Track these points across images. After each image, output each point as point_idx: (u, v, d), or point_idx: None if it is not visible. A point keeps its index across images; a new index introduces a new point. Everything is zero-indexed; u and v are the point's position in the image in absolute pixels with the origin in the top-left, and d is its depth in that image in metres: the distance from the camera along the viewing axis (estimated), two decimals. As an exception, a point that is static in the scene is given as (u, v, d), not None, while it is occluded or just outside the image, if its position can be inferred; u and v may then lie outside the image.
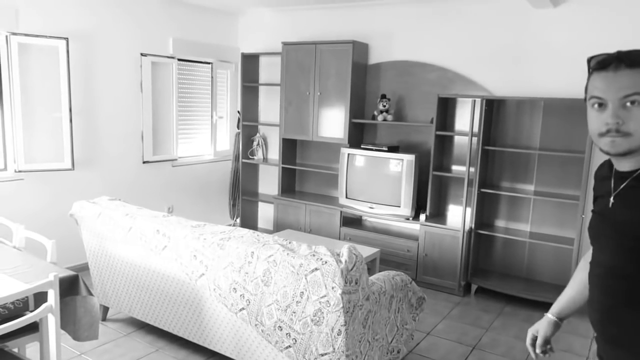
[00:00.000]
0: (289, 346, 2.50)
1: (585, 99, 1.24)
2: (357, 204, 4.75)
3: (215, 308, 2.77)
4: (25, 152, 4.01)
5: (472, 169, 4.24)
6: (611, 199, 1.23)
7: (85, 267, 4.19)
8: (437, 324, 3.77)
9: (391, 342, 2.79)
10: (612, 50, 1.20)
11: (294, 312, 2.43)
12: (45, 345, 2.26)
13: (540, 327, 1.58)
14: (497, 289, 4.22)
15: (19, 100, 3.92)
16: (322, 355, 2.40)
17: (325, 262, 2.35)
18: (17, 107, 3.92)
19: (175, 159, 5.23)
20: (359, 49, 4.80)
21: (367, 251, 3.93)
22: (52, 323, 2.20)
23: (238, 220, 5.87)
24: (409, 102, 4.77)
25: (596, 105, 1.19)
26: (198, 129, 5.56)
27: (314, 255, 2.42)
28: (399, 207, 4.49)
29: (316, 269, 2.36)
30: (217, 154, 5.76)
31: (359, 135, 5.01)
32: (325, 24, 5.18)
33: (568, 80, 4.04)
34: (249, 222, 5.87)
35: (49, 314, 2.17)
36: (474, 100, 4.18)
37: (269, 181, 5.87)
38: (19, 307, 2.23)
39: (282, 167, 5.36)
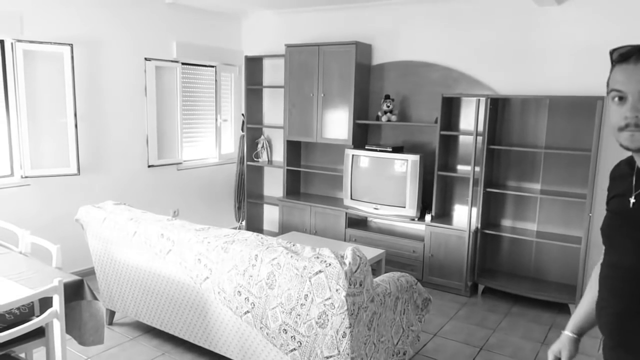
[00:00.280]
0: (294, 349, 2.49)
1: (607, 93, 1.19)
2: (362, 205, 4.74)
3: (220, 311, 2.77)
4: (32, 157, 4.04)
5: (477, 169, 4.21)
6: (632, 199, 1.18)
7: (91, 272, 4.22)
8: (444, 324, 3.74)
9: (397, 344, 2.78)
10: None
11: (299, 315, 2.42)
12: (51, 351, 2.27)
13: (562, 347, 1.47)
14: (504, 289, 4.19)
15: (24, 106, 3.95)
16: (327, 357, 2.39)
17: (329, 265, 2.34)
18: (22, 113, 3.95)
19: (180, 163, 5.24)
20: (362, 49, 4.80)
21: (372, 252, 3.92)
22: (57, 328, 2.21)
23: (244, 223, 5.87)
24: (413, 102, 4.75)
25: (616, 99, 1.14)
26: (203, 133, 5.57)
27: (317, 257, 2.41)
28: (404, 207, 4.47)
29: (320, 272, 2.35)
30: (222, 157, 5.77)
31: (363, 136, 5.00)
32: (328, 26, 5.18)
33: (573, 77, 4.02)
34: (255, 224, 5.87)
35: (54, 319, 2.18)
36: (479, 100, 4.16)
37: (274, 183, 5.87)
38: (24, 313, 2.24)
39: (287, 169, 5.36)
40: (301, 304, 2.41)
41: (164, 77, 4.99)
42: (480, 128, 4.14)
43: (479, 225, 4.25)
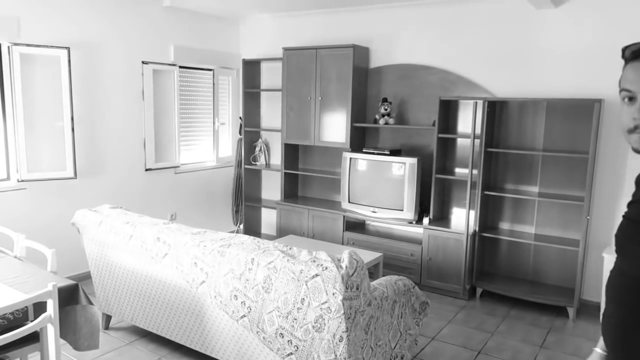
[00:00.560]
0: (291, 353, 2.47)
1: (619, 92, 1.13)
2: (360, 209, 4.73)
3: (216, 315, 2.75)
4: (28, 161, 4.02)
5: (475, 172, 4.20)
6: None
7: (87, 276, 4.20)
8: (442, 328, 3.73)
9: (394, 347, 2.76)
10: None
11: (295, 319, 2.41)
12: (45, 356, 2.25)
13: None
14: (503, 292, 4.18)
15: (21, 109, 3.94)
16: (324, 362, 2.37)
17: (326, 268, 2.33)
18: (19, 116, 3.93)
19: (178, 166, 5.23)
20: (360, 53, 4.79)
21: (369, 256, 3.91)
22: (51, 333, 2.19)
23: (241, 227, 5.86)
24: (411, 105, 4.75)
25: (626, 99, 1.08)
26: (200, 136, 5.56)
27: (314, 261, 2.40)
28: (402, 210, 4.46)
29: (317, 275, 2.34)
30: (220, 161, 5.76)
31: (360, 139, 4.99)
32: (326, 29, 5.18)
33: (571, 80, 4.02)
34: (253, 228, 5.86)
35: (49, 324, 2.17)
36: (476, 102, 4.16)
37: (271, 187, 5.85)
38: (18, 318, 2.22)
39: (285, 173, 5.35)
40: (298, 308, 2.39)
41: (161, 80, 4.99)
42: (478, 131, 4.14)
43: (477, 228, 4.24)
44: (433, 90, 4.58)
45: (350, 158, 4.73)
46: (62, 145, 4.21)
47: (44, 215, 4.16)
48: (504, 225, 4.43)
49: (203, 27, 5.39)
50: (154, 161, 4.97)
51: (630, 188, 1.25)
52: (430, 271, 4.40)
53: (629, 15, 3.74)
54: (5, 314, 2.15)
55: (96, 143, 4.51)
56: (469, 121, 4.36)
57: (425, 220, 4.42)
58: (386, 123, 4.69)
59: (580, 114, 3.97)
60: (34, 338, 2.32)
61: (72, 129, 4.22)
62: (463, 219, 4.39)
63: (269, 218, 5.84)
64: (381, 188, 4.62)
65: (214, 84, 5.58)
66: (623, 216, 1.21)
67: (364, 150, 4.71)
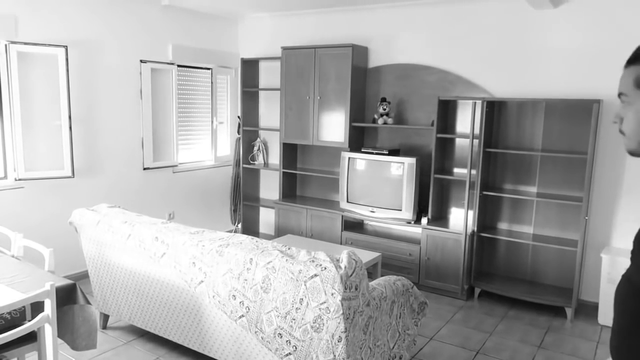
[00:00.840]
0: (289, 353, 2.47)
1: None
2: (359, 208, 4.73)
3: (214, 315, 2.74)
4: (26, 160, 4.00)
5: (473, 172, 4.20)
6: None
7: (85, 275, 4.18)
8: (440, 328, 3.73)
9: (393, 348, 2.76)
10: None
11: (294, 319, 2.40)
12: (43, 355, 2.24)
13: None
14: (501, 292, 4.18)
15: (18, 108, 3.92)
16: (322, 362, 2.36)
17: (325, 268, 2.32)
18: (16, 115, 3.92)
19: (176, 165, 5.22)
20: (359, 52, 4.79)
21: (368, 256, 3.90)
22: (49, 333, 2.18)
23: (239, 226, 5.85)
24: (410, 105, 4.75)
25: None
26: (198, 135, 5.55)
27: (313, 261, 2.40)
28: (401, 210, 4.46)
29: (315, 275, 2.33)
30: (218, 160, 5.74)
31: (359, 139, 4.99)
32: (325, 28, 5.17)
33: (569, 80, 4.02)
34: (251, 227, 5.85)
35: (46, 323, 2.16)
36: (475, 102, 4.16)
37: (270, 186, 5.85)
38: (15, 317, 2.21)
39: (283, 172, 5.34)
40: (296, 308, 2.38)
41: (159, 79, 4.97)
42: (477, 131, 4.14)
43: (476, 228, 4.24)
44: (432, 90, 4.58)
45: (349, 158, 4.73)
46: (60, 144, 4.20)
47: (41, 214, 4.14)
48: (503, 226, 4.43)
49: (201, 25, 5.38)
50: (152, 160, 4.96)
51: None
52: (428, 271, 4.39)
53: (628, 15, 3.75)
54: (3, 313, 2.14)
55: (94, 142, 4.49)
56: (467, 121, 4.36)
57: (424, 220, 4.42)
58: (385, 123, 4.68)
59: (578, 114, 3.97)
60: (31, 338, 2.31)
61: (70, 128, 4.21)
62: (461, 219, 4.39)
63: (267, 217, 5.84)
64: (380, 188, 4.61)
65: (212, 83, 5.57)
66: None
67: (362, 150, 4.70)
